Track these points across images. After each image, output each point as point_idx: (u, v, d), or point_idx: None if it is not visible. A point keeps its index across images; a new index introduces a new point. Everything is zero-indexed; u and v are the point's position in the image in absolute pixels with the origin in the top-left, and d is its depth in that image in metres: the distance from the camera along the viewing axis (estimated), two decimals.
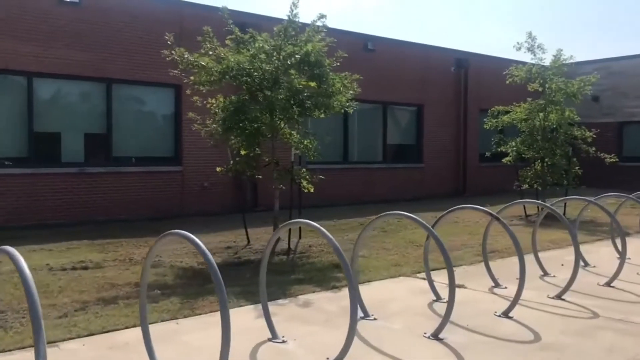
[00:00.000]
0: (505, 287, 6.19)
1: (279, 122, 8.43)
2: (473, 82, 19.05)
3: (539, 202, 6.64)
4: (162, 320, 5.00)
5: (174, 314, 5.17)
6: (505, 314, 5.17)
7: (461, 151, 19.15)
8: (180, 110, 12.90)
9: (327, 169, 16.02)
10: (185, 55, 8.01)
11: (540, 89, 12.82)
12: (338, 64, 8.61)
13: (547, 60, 12.79)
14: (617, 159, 12.65)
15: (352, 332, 3.87)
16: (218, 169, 8.86)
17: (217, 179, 12.42)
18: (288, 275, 6.89)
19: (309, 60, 8.38)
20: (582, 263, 7.46)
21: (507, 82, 13.04)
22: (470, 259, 7.88)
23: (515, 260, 7.84)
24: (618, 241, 9.09)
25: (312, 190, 8.79)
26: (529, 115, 12.66)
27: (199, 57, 8.01)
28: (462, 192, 18.83)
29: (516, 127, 13.12)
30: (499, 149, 13.07)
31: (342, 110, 8.86)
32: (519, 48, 12.67)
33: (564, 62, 12.59)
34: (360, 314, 5.13)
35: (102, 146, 12.41)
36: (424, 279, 6.40)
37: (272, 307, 5.45)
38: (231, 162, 8.70)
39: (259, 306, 5.44)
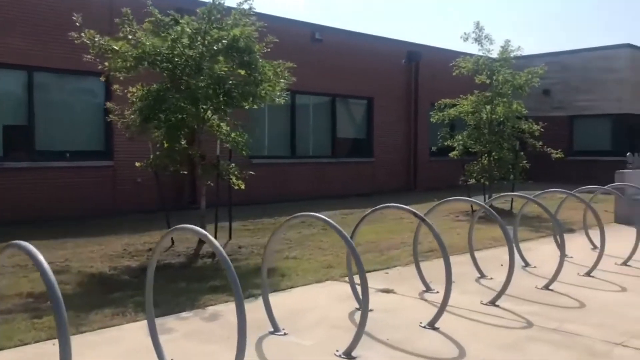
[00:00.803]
0: (437, 292, 5.70)
1: (204, 112, 7.78)
2: (424, 75, 18.66)
3: (470, 199, 6.19)
4: (37, 341, 4.32)
5: (54, 332, 4.46)
6: (431, 325, 4.67)
7: (412, 145, 18.77)
8: (110, 100, 12.02)
9: (274, 163, 15.47)
10: (96, 39, 7.26)
11: (487, 81, 12.47)
12: (268, 49, 7.98)
13: (494, 52, 12.46)
14: (563, 155, 12.40)
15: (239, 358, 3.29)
16: (137, 163, 8.15)
17: (152, 175, 11.65)
18: (206, 282, 6.26)
19: (237, 46, 7.74)
20: (522, 263, 7.09)
21: (454, 73, 12.65)
22: (407, 259, 7.39)
23: (454, 260, 7.44)
24: (565, 237, 8.80)
25: (242, 187, 8.17)
26: (476, 108, 12.30)
27: (110, 41, 7.27)
28: (413, 187, 18.48)
29: (463, 120, 12.76)
30: (446, 143, 12.69)
31: (276, 101, 8.21)
32: (466, 39, 12.33)
33: (511, 53, 12.27)
34: (269, 328, 4.57)
35: (24, 139, 11.48)
36: (355, 283, 5.87)
37: (172, 321, 4.85)
38: (151, 156, 7.99)
39: (160, 320, 4.82)
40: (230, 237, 8.66)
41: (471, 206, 12.18)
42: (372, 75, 17.45)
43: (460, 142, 12.35)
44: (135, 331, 4.59)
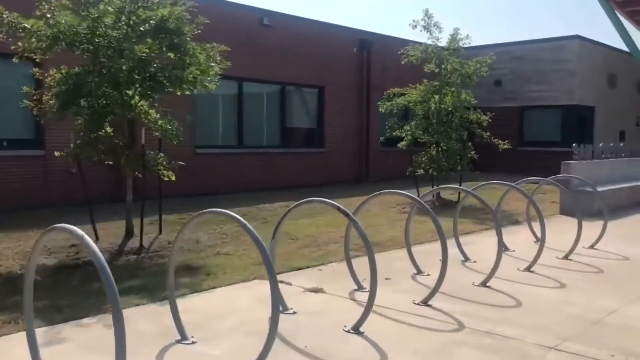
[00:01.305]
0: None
1: (130, 98, 7.23)
2: (376, 63, 18.32)
3: (402, 192, 5.86)
4: None
5: None
6: (356, 329, 4.31)
7: (364, 135, 18.44)
8: (43, 85, 11.26)
9: (221, 153, 14.91)
10: (4, 15, 6.60)
11: (436, 70, 12.21)
12: (199, 31, 7.46)
13: (444, 40, 12.19)
14: (509, 146, 12.25)
15: None
16: (57, 153, 7.55)
17: (87, 165, 10.98)
18: (122, 283, 5.74)
19: (167, 27, 7.20)
20: (462, 257, 6.83)
21: (403, 62, 12.34)
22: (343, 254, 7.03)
23: (393, 254, 7.17)
24: (509, 230, 8.62)
25: (173, 179, 7.65)
26: (424, 98, 12.03)
27: (20, 18, 6.63)
28: (365, 177, 18.19)
29: (412, 110, 12.48)
30: (395, 134, 12.39)
31: (207, 87, 7.69)
32: (415, 26, 12.01)
33: (460, 42, 12.02)
34: (176, 336, 4.13)
35: None
36: (282, 282, 5.50)
37: (71, 328, 4.36)
38: (71, 145, 7.40)
39: (58, 327, 4.35)
40: (160, 232, 8.14)
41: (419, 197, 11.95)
42: (323, 64, 17.02)
43: (409, 132, 12.07)
44: (21, 342, 4.07)
